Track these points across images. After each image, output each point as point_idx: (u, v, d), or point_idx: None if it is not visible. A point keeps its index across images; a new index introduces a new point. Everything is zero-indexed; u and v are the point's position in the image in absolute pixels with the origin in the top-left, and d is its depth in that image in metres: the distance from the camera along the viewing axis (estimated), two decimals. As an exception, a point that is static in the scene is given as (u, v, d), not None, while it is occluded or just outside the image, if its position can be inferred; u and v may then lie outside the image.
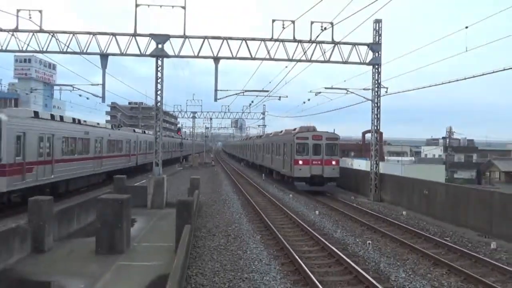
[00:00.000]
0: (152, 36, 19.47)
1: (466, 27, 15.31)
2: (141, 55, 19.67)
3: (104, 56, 19.58)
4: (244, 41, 19.81)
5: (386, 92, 22.54)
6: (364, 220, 15.92)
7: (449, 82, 19.12)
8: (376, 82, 21.73)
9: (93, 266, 9.10)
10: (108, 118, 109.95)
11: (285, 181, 28.10)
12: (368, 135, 38.40)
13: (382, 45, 21.28)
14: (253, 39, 19.96)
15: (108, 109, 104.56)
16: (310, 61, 20.54)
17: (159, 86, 19.81)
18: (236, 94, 26.02)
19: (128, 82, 47.60)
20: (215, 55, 19.81)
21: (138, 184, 24.27)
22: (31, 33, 19.16)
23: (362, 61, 20.97)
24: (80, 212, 13.27)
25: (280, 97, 33.99)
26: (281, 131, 32.91)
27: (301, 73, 53.19)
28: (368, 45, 21.01)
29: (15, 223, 10.82)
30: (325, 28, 18.62)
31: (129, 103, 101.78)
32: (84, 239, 11.45)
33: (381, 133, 26.80)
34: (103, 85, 20.20)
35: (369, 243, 12.11)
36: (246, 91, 26.70)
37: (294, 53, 20.07)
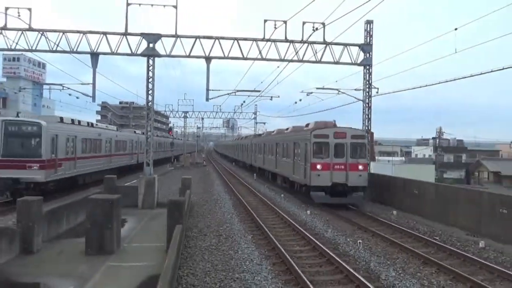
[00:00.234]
0: (143, 35, 19.35)
1: (456, 29, 15.51)
2: (132, 54, 19.54)
3: (94, 55, 19.41)
4: (236, 41, 19.81)
5: (377, 92, 22.73)
6: (355, 220, 16.02)
7: (439, 83, 19.38)
8: (367, 82, 21.89)
9: (82, 267, 9.02)
10: (99, 117, 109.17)
11: (296, 190, 22.51)
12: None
13: (373, 46, 21.44)
14: (245, 39, 19.96)
15: (99, 108, 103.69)
16: (301, 61, 20.61)
17: (150, 86, 19.69)
18: (228, 94, 26.02)
19: (119, 81, 47.52)
20: (206, 54, 19.77)
21: (129, 184, 24.13)
22: (20, 32, 18.93)
23: (353, 62, 21.10)
24: (69, 212, 13.13)
25: (272, 97, 34.10)
26: (287, 129, 27.61)
27: (293, 73, 53.53)
28: (359, 45, 21.15)
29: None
30: (316, 29, 18.72)
31: (120, 102, 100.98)
32: (73, 240, 11.34)
33: (372, 133, 26.99)
34: (94, 84, 20.03)
35: (359, 242, 12.18)
36: (238, 91, 26.74)
37: (286, 53, 20.13)
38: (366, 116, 22.41)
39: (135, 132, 39.81)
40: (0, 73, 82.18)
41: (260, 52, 19.90)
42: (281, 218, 16.45)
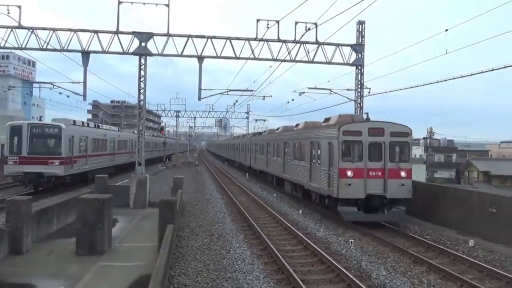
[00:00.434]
0: (135, 34, 19.23)
1: (446, 30, 15.65)
2: (123, 53, 19.40)
3: (85, 54, 19.23)
4: (228, 40, 19.77)
5: (369, 92, 22.80)
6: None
7: (430, 83, 19.50)
8: (359, 82, 21.98)
9: (73, 267, 8.94)
10: (90, 116, 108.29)
11: (314, 202, 18.09)
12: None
13: (365, 46, 21.53)
14: (238, 38, 19.93)
15: (90, 107, 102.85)
16: (294, 61, 20.64)
17: (142, 85, 19.57)
18: (220, 93, 25.98)
19: (110, 80, 47.29)
20: (199, 54, 19.70)
21: (121, 183, 24.01)
22: (10, 29, 18.67)
23: (345, 62, 21.17)
24: (60, 212, 13.01)
25: (264, 96, 34.13)
26: (297, 125, 23.44)
27: (285, 73, 53.41)
28: (351, 46, 21.23)
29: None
30: (309, 29, 18.76)
31: (111, 101, 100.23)
32: (64, 240, 11.23)
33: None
34: (84, 83, 19.83)
35: (351, 241, 12.25)
36: (230, 90, 26.70)
37: (278, 53, 20.14)
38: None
39: (133, 132, 41.21)
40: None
41: (252, 52, 19.89)
42: (273, 217, 16.48)
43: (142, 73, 19.48)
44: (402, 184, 14.82)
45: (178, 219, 13.42)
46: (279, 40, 19.94)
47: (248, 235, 13.34)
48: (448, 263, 10.48)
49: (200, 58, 19.88)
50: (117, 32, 19.04)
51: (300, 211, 17.81)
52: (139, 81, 19.55)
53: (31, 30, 18.81)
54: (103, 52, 19.31)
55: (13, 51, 48.28)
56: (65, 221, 13.22)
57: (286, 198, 22.31)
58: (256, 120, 41.54)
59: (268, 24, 18.81)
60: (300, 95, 26.40)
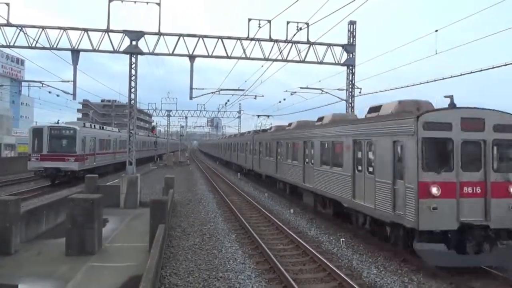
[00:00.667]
0: (126, 32, 19.10)
1: (436, 31, 15.80)
2: (114, 51, 19.26)
3: (75, 52, 19.06)
4: (220, 40, 19.74)
5: (360, 92, 22.94)
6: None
7: (420, 83, 19.66)
8: (350, 82, 22.11)
9: (62, 267, 8.84)
10: (80, 116, 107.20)
11: (358, 225, 13.11)
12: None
13: (356, 47, 21.67)
14: (229, 37, 19.92)
15: (80, 106, 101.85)
16: (285, 60, 20.69)
17: (133, 84, 19.47)
18: (212, 92, 25.94)
19: (100, 79, 46.78)
20: (190, 53, 19.64)
21: (111, 183, 23.84)
22: (-3, 27, 18.41)
23: (336, 62, 21.29)
24: (49, 212, 12.86)
25: (256, 96, 34.14)
26: (320, 119, 17.54)
27: (277, 72, 53.58)
28: (342, 46, 21.35)
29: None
30: (300, 28, 18.84)
31: (102, 100, 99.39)
32: (53, 240, 11.12)
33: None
34: (74, 81, 19.67)
35: (342, 240, 12.32)
36: (222, 89, 26.65)
37: (270, 52, 20.19)
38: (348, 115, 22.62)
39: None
40: (-23, 70, 79.82)
41: (244, 51, 19.90)
42: (265, 217, 16.49)
43: (133, 72, 19.37)
44: None
45: (169, 219, 13.37)
46: (270, 39, 19.97)
47: (240, 235, 13.34)
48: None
49: (192, 57, 19.82)
50: (107, 31, 18.89)
51: (292, 211, 17.85)
52: (130, 80, 19.43)
53: (20, 28, 18.58)
54: (93, 50, 19.15)
55: (1, 49, 47.59)
56: (54, 221, 13.08)
57: (277, 197, 22.35)
58: (259, 116, 33.89)
59: (259, 24, 18.84)
60: (291, 94, 26.53)
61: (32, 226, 11.49)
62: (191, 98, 21.20)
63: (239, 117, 62.49)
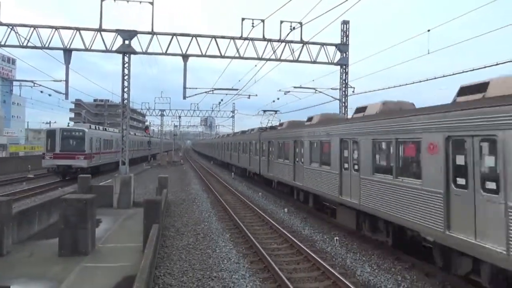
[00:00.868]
0: (119, 31, 19.00)
1: (428, 30, 15.91)
2: (107, 51, 19.15)
3: (67, 51, 18.92)
4: (213, 39, 19.72)
5: (353, 92, 23.08)
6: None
7: (413, 83, 19.79)
8: (344, 82, 22.21)
9: (55, 268, 8.78)
10: (72, 115, 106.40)
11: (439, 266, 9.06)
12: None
13: (349, 46, 21.77)
14: (223, 37, 19.90)
15: (72, 106, 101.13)
16: (279, 60, 20.73)
17: (126, 83, 19.37)
18: (206, 92, 25.89)
19: (93, 78, 46.51)
20: (184, 52, 19.59)
21: (104, 183, 23.73)
22: (-12, 26, 18.23)
23: (330, 61, 21.37)
24: (41, 213, 12.76)
25: (249, 95, 34.14)
26: (361, 109, 13.07)
27: (271, 72, 53.75)
28: (336, 45, 21.44)
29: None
30: (294, 28, 18.90)
31: (95, 100, 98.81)
32: (46, 241, 11.03)
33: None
34: (67, 81, 19.53)
35: (336, 239, 12.37)
36: (215, 89, 26.61)
37: (263, 52, 20.22)
38: (343, 115, 22.74)
39: (129, 133, 50.08)
40: (-33, 69, 78.92)
41: (237, 51, 19.90)
42: (259, 216, 16.50)
43: (126, 71, 19.27)
44: None
45: (163, 219, 13.33)
46: (264, 39, 19.99)
47: (234, 234, 13.33)
48: (431, 259, 10.42)
49: (185, 57, 19.78)
50: (100, 30, 18.78)
51: (286, 210, 17.88)
52: (123, 80, 19.33)
53: (11, 27, 18.40)
54: (86, 50, 19.03)
55: (-8, 48, 47.02)
56: (47, 222, 12.98)
57: (271, 196, 22.37)
58: (265, 111, 28.81)
59: (253, 23, 18.86)
60: (285, 94, 26.56)
61: (24, 227, 11.39)
62: (184, 97, 21.16)
63: (232, 116, 62.50)
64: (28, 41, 18.57)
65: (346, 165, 12.67)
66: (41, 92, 25.90)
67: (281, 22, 19.44)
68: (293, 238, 12.20)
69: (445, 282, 8.79)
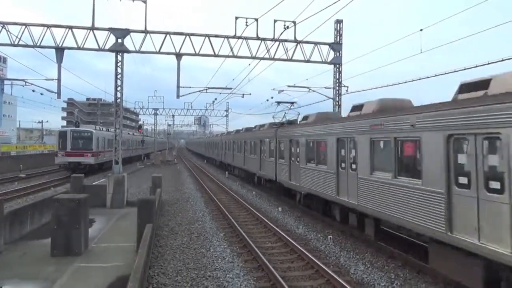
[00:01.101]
0: (111, 30, 18.86)
1: (421, 30, 16.01)
2: (99, 49, 19.00)
3: (59, 50, 18.75)
4: (207, 38, 19.66)
5: (347, 91, 23.13)
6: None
7: (405, 82, 19.91)
8: (337, 81, 22.27)
9: (48, 268, 8.72)
10: (65, 114, 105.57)
11: None
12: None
13: (343, 45, 21.83)
14: (216, 36, 19.85)
15: (64, 105, 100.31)
16: (273, 59, 20.72)
17: (119, 82, 19.24)
18: (199, 91, 25.81)
19: (86, 77, 46.26)
20: (177, 51, 19.51)
21: (97, 183, 23.60)
22: (-21, 24, 17.99)
23: (323, 60, 21.41)
24: (33, 212, 12.65)
25: (243, 94, 34.10)
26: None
27: (264, 71, 53.79)
28: (329, 44, 21.48)
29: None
30: (287, 27, 18.89)
31: (87, 99, 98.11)
32: (38, 241, 10.95)
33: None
34: (59, 80, 19.34)
35: (330, 238, 12.42)
36: (209, 88, 26.53)
37: (257, 51, 20.19)
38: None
39: (128, 133, 53.03)
40: (-43, 68, 77.88)
41: (231, 50, 19.85)
42: (253, 215, 16.51)
43: (119, 70, 19.14)
44: None
45: (157, 218, 13.29)
46: (258, 38, 19.98)
47: (228, 233, 13.33)
48: (423, 257, 10.57)
49: (178, 56, 19.69)
50: (92, 28, 18.62)
51: (280, 209, 17.91)
52: (116, 79, 19.20)
53: (2, 25, 18.19)
54: (78, 48, 18.87)
55: (-18, 46, 46.41)
56: (39, 222, 12.87)
57: (265, 196, 22.39)
58: (279, 102, 23.81)
59: (247, 22, 18.82)
60: (279, 93, 26.54)
61: (16, 227, 11.29)
62: (178, 96, 21.07)
63: (226, 115, 62.41)
64: (20, 39, 18.37)
65: (457, 182, 7.92)
66: (33, 91, 25.74)
67: (275, 21, 19.43)
68: (287, 237, 12.22)
69: (437, 280, 8.87)
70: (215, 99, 46.65)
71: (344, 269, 9.72)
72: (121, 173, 18.76)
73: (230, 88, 27.34)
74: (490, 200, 6.94)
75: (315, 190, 14.82)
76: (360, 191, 11.45)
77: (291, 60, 20.82)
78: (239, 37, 19.64)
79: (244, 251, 11.21)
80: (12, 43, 18.49)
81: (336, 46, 21.65)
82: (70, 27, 18.64)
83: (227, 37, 19.76)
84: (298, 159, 16.89)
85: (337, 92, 22.56)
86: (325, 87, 23.83)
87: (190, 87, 24.24)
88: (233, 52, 19.92)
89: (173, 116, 61.64)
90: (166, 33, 19.36)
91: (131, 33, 19.10)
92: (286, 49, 20.56)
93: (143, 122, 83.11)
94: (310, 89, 24.36)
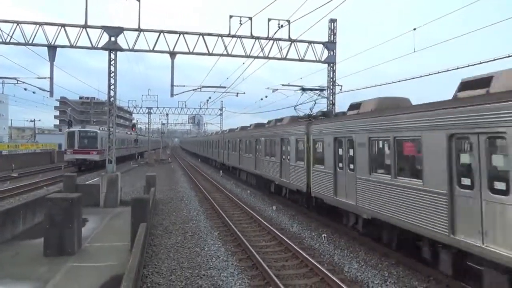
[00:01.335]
0: (104, 28, 18.72)
1: (414, 29, 16.09)
2: (92, 48, 18.85)
3: (52, 48, 18.56)
4: (201, 36, 19.59)
5: (341, 90, 23.18)
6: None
7: (399, 81, 19.98)
8: (331, 80, 22.31)
9: (41, 269, 8.65)
10: (57, 113, 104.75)
11: None
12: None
13: (337, 44, 21.87)
14: (210, 34, 19.79)
15: (57, 103, 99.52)
16: (267, 58, 20.70)
17: (112, 81, 19.11)
18: (193, 90, 25.67)
19: (79, 76, 45.79)
20: (171, 49, 19.42)
21: (90, 182, 23.45)
22: (-31, 21, 17.76)
23: (317, 59, 21.43)
24: (26, 212, 12.55)
25: (237, 93, 34.01)
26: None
27: (258, 70, 53.77)
28: (323, 43, 21.51)
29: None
30: (282, 26, 18.87)
31: (80, 97, 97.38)
32: (30, 241, 10.86)
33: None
34: (51, 78, 19.15)
35: (324, 236, 12.46)
36: (203, 87, 26.42)
37: (251, 49, 20.16)
38: None
39: (127, 133, 56.22)
40: None
41: (225, 48, 19.80)
42: (247, 214, 16.52)
43: (112, 68, 19.01)
44: None
45: (151, 218, 13.24)
46: (252, 36, 19.94)
47: (223, 232, 13.32)
48: (416, 255, 10.58)
49: (172, 54, 19.60)
50: (85, 26, 18.47)
51: (274, 208, 17.93)
52: (109, 77, 19.07)
53: (-7, 23, 17.96)
54: (71, 46, 18.70)
55: (-27, 44, 45.88)
56: (31, 221, 12.77)
57: (259, 194, 22.40)
58: (305, 89, 19.65)
59: (241, 21, 18.78)
60: (273, 92, 26.48)
61: (8, 227, 11.19)
62: (172, 95, 20.98)
63: (220, 114, 62.29)
64: (11, 37, 18.17)
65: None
66: (25, 89, 25.33)
67: (269, 20, 19.40)
68: (281, 236, 12.24)
69: (430, 277, 8.94)
70: (209, 98, 46.73)
71: (338, 267, 9.76)
72: (115, 172, 18.65)
73: (224, 87, 27.27)
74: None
75: (391, 216, 9.71)
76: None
77: (285, 59, 20.81)
78: (233, 36, 19.60)
79: (238, 249, 11.21)
80: (4, 41, 18.28)
81: (330, 45, 21.69)
82: (63, 25, 18.48)
83: (221, 35, 19.71)
84: (352, 166, 11.76)
85: (331, 91, 22.61)
86: (319, 86, 23.86)
87: (184, 85, 24.10)
88: (227, 51, 19.88)
89: (167, 115, 61.38)
90: (160, 32, 19.26)
91: (125, 31, 18.97)
92: (280, 48, 20.56)
93: (137, 121, 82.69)
94: (304, 88, 24.36)
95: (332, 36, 21.87)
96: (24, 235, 11.61)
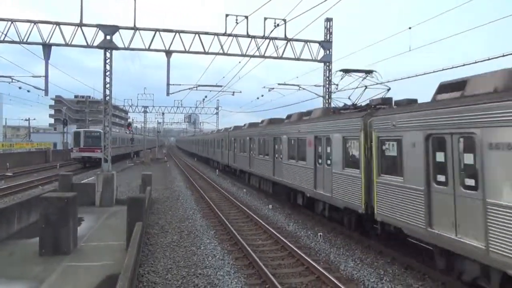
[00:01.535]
0: (100, 26, 18.63)
1: (410, 28, 16.15)
2: (88, 46, 18.76)
3: (46, 46, 18.45)
4: (197, 35, 19.56)
5: (337, 88, 23.23)
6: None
7: (394, 80, 20.04)
8: (327, 79, 22.35)
9: (36, 268, 8.62)
10: (52, 112, 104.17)
11: None
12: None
13: (333, 43, 21.90)
14: (206, 33, 19.76)
15: (52, 102, 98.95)
16: (263, 56, 20.70)
17: (107, 79, 19.03)
18: (189, 88, 25.65)
19: (73, 74, 45.70)
20: (167, 48, 19.37)
21: (86, 181, 23.38)
22: (-37, 19, 17.62)
23: (313, 58, 21.46)
24: (21, 211, 12.48)
25: (233, 92, 33.98)
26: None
27: (255, 69, 53.80)
28: (319, 42, 21.54)
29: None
30: (278, 25, 18.85)
31: (75, 96, 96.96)
32: (26, 240, 10.81)
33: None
34: (46, 77, 19.04)
35: (320, 235, 12.50)
36: (199, 85, 26.39)
37: (247, 48, 20.15)
38: None
39: (126, 132, 59.44)
40: None
41: (221, 47, 19.78)
42: (244, 212, 16.53)
43: (108, 67, 18.93)
44: None
45: (147, 217, 13.22)
46: (248, 35, 19.93)
47: (219, 231, 13.33)
48: (411, 254, 10.71)
49: (168, 53, 19.55)
50: (80, 25, 18.38)
51: (270, 206, 17.96)
52: (105, 76, 18.99)
53: (-13, 21, 17.83)
54: (66, 45, 18.60)
55: (-33, 42, 45.51)
56: (27, 221, 12.71)
57: (256, 193, 22.42)
58: (346, 71, 13.33)
59: (237, 20, 18.76)
60: (269, 91, 26.54)
61: (3, 226, 11.13)
62: (168, 94, 20.96)
63: (217, 113, 62.24)
64: (5, 35, 18.05)
65: None
66: (20, 88, 25.22)
67: (265, 19, 19.39)
68: (277, 234, 12.27)
69: (425, 275, 9.00)
70: (205, 96, 46.37)
71: (334, 265, 9.79)
72: (110, 171, 18.60)
73: (221, 86, 27.26)
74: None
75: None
76: None
77: (281, 58, 20.82)
78: (229, 35, 19.58)
79: (234, 248, 11.22)
80: (-2, 39, 18.14)
81: (326, 44, 21.72)
82: (58, 23, 18.37)
83: (217, 34, 19.68)
84: (470, 183, 7.27)
85: (327, 90, 22.65)
86: (315, 85, 23.90)
87: (180, 84, 24.10)
88: (223, 50, 19.86)
89: (163, 113, 61.26)
90: (156, 30, 19.20)
91: (120, 30, 18.89)
92: (277, 47, 20.57)
93: (133, 120, 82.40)
94: (300, 87, 24.41)
95: (328, 35, 21.91)
96: (19, 235, 11.55)
